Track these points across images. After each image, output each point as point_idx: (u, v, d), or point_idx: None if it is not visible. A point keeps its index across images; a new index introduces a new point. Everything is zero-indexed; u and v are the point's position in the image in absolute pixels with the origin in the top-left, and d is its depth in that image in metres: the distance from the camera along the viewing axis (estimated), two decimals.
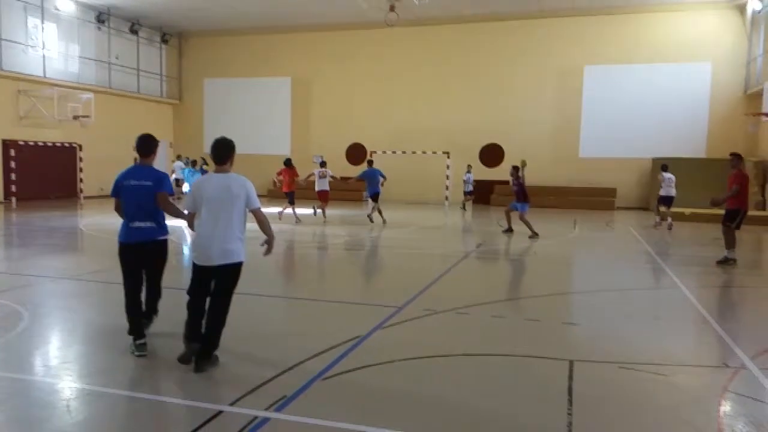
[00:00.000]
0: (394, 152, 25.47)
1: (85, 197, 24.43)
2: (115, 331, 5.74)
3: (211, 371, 4.82)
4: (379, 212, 17.35)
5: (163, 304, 5.93)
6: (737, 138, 23.28)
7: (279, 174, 17.52)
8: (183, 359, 4.90)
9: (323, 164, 18.36)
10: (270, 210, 21.04)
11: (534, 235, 14.32)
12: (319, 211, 17.96)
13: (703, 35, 23.90)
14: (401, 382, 4.73)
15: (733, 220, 10.69)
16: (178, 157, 26.29)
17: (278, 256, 11.40)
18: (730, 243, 10.69)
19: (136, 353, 5.20)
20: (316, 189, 17.69)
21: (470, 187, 23.30)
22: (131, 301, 5.38)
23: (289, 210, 17.52)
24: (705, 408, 4.35)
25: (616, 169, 24.95)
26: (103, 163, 23.40)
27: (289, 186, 17.19)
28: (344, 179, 19.44)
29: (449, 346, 5.66)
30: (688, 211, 19.24)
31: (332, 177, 18.01)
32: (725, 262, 10.61)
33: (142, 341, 5.28)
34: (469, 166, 23.20)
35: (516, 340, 6.03)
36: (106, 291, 7.84)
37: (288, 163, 17.38)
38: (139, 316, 5.41)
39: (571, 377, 4.83)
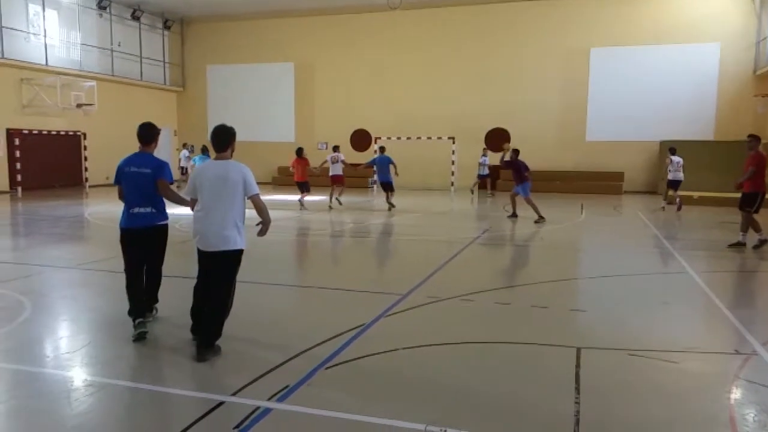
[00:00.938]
0: (399, 138, 25.31)
1: (90, 186, 24.46)
2: (118, 321, 5.71)
3: (213, 360, 4.78)
4: (387, 199, 17.33)
5: (167, 293, 5.88)
6: (746, 120, 22.96)
7: (292, 165, 17.39)
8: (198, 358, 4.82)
9: (336, 148, 18.43)
10: (273, 197, 21.02)
11: (540, 219, 14.20)
12: (335, 200, 17.87)
13: (711, 15, 23.52)
14: (405, 370, 4.66)
15: (752, 204, 10.46)
16: (184, 146, 26.24)
17: (282, 243, 11.35)
18: (756, 227, 10.50)
19: (135, 334, 5.27)
20: (330, 174, 17.82)
21: (486, 170, 23.10)
22: (131, 282, 5.51)
23: (307, 197, 17.47)
24: (716, 395, 4.27)
25: (624, 152, 24.71)
26: (108, 151, 23.28)
27: (302, 175, 17.14)
28: (353, 166, 19.37)
29: (454, 334, 5.59)
30: (696, 194, 19.06)
31: (344, 162, 18.02)
32: (760, 245, 10.48)
33: (141, 320, 5.35)
34: (485, 149, 22.83)
35: (522, 327, 5.96)
36: (110, 280, 7.80)
37: (299, 152, 17.35)
38: (140, 295, 5.51)
39: (578, 365, 4.75)
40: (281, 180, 27.80)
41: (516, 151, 14.73)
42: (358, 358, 4.83)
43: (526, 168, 14.61)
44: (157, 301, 5.90)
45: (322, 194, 18.66)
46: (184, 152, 25.48)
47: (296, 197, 17.65)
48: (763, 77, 22.07)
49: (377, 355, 4.91)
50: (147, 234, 5.50)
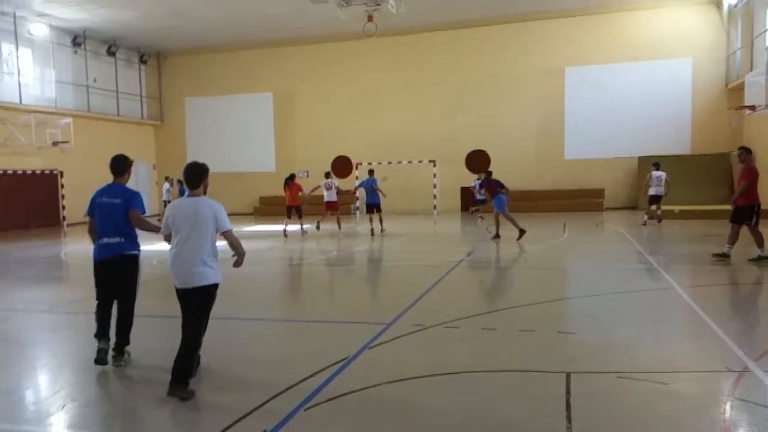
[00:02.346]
0: (380, 162, 25.23)
1: (68, 224, 24.00)
2: (89, 367, 5.45)
3: (189, 403, 4.56)
4: (370, 220, 17.56)
5: (144, 334, 5.65)
6: (721, 133, 23.31)
7: (285, 190, 17.65)
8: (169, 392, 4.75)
9: (328, 175, 18.72)
10: (255, 228, 20.79)
11: (521, 233, 14.43)
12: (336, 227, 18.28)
13: (683, 32, 23.96)
14: (388, 407, 4.47)
15: (750, 217, 10.31)
16: (166, 179, 25.96)
17: (262, 275, 11.12)
18: (760, 242, 10.31)
19: (96, 358, 5.35)
20: (325, 200, 18.04)
21: (482, 195, 22.94)
22: (99, 307, 5.62)
23: (291, 226, 17.67)
24: (711, 417, 4.14)
25: (603, 169, 24.88)
26: (86, 188, 22.71)
27: (293, 200, 17.38)
28: (347, 192, 19.76)
29: (439, 364, 5.40)
30: (677, 208, 19.16)
31: (338, 189, 18.33)
32: (758, 260, 10.25)
33: (104, 346, 5.43)
34: (480, 174, 22.46)
35: (509, 353, 5.79)
36: (81, 322, 7.51)
37: (292, 177, 17.67)
38: (106, 319, 5.59)
39: (568, 391, 4.59)
40: (263, 210, 27.59)
41: (489, 173, 15.65)
42: (340, 395, 4.62)
43: (500, 185, 15.05)
44: (128, 343, 5.65)
45: (309, 222, 18.49)
46: (166, 185, 25.20)
47: (280, 227, 17.67)
48: (735, 90, 22.42)
49: (360, 392, 4.70)
50: (115, 264, 5.53)
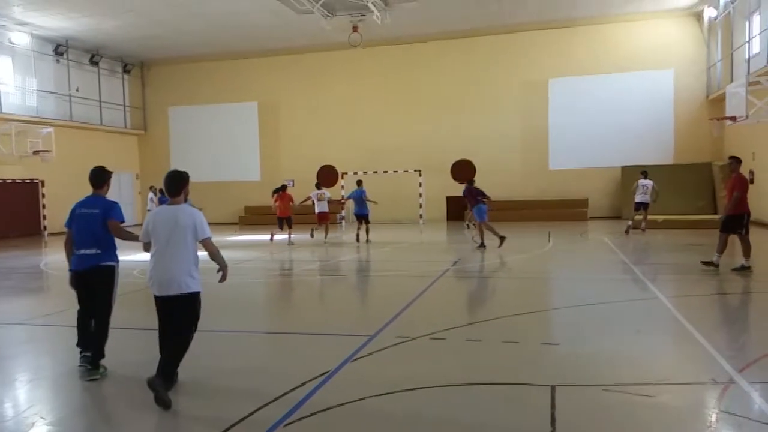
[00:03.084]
0: (365, 172, 25.19)
1: (49, 234, 23.64)
2: (65, 382, 5.31)
3: (165, 421, 4.43)
4: (358, 231, 17.68)
5: (122, 345, 5.51)
6: (703, 143, 23.57)
7: (275, 200, 17.68)
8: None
9: (318, 185, 18.86)
10: (239, 238, 20.60)
11: (501, 240, 14.67)
12: (322, 239, 18.13)
13: (664, 43, 24.24)
14: (370, 423, 4.37)
15: (740, 226, 10.32)
16: (151, 188, 25.69)
17: (244, 286, 10.97)
18: (748, 252, 10.32)
19: (80, 363, 5.43)
20: (316, 211, 18.05)
21: None
22: (79, 317, 5.70)
23: (279, 236, 17.72)
24: (695, 430, 4.09)
25: (587, 179, 25.03)
26: (68, 197, 22.46)
27: (284, 211, 17.42)
28: (338, 202, 19.82)
29: (424, 377, 5.31)
30: (660, 218, 19.29)
31: (330, 199, 18.50)
32: (741, 270, 10.26)
33: (87, 354, 5.47)
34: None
35: (494, 365, 5.72)
36: (58, 335, 7.36)
37: (283, 188, 17.76)
38: (87, 328, 5.65)
39: (553, 405, 4.52)
40: (248, 219, 27.39)
41: (470, 181, 15.85)
42: (321, 411, 4.51)
43: (481, 194, 15.24)
44: (102, 356, 5.52)
45: (298, 232, 18.39)
46: (151, 195, 24.95)
47: (278, 236, 17.76)
48: (716, 101, 22.70)
49: (341, 407, 4.59)
50: (92, 275, 5.55)
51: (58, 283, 12.03)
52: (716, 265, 10.52)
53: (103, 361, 5.54)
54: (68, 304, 5.67)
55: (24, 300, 10.73)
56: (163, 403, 4.57)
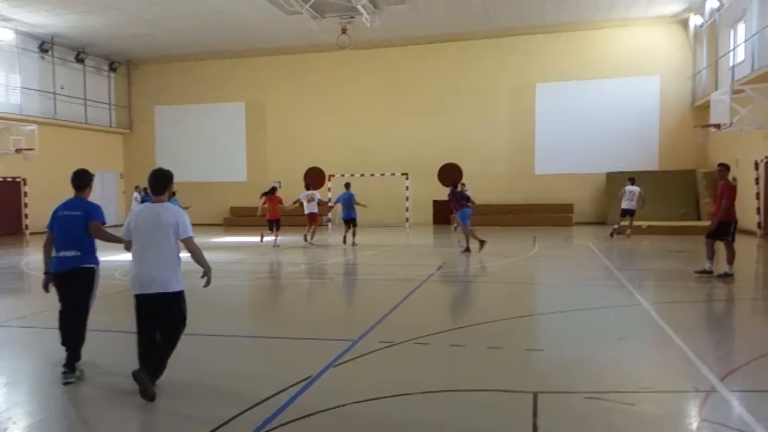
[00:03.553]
0: (352, 175, 25.10)
1: (31, 233, 23.34)
2: (38, 385, 5.20)
3: (144, 421, 4.36)
4: (345, 233, 17.77)
5: (101, 347, 5.42)
6: (688, 150, 23.78)
7: (264, 202, 17.61)
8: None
9: (308, 187, 18.83)
10: (224, 239, 20.44)
11: (481, 244, 14.66)
12: (308, 240, 18.01)
13: (651, 50, 24.44)
14: (352, 430, 4.33)
15: (727, 233, 10.37)
16: (136, 188, 25.46)
17: (227, 288, 10.88)
18: (732, 259, 10.37)
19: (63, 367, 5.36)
20: (306, 212, 18.03)
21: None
22: (61, 321, 5.61)
23: (269, 237, 17.66)
24: None
25: (572, 184, 25.14)
26: (51, 196, 22.19)
27: (273, 213, 17.37)
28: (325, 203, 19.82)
29: (406, 383, 5.27)
30: (645, 224, 19.43)
31: (320, 201, 18.46)
32: (724, 276, 10.30)
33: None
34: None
35: (478, 372, 5.69)
36: (34, 338, 7.24)
37: (272, 190, 17.67)
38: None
39: (535, 413, 4.50)
40: (233, 221, 27.23)
41: (455, 185, 16.03)
42: (302, 417, 4.46)
43: (466, 198, 15.31)
44: (78, 358, 5.44)
45: (286, 234, 18.29)
46: (136, 194, 24.72)
47: (268, 238, 17.70)
48: (701, 108, 22.91)
49: (323, 413, 4.54)
50: (71, 277, 5.52)
51: (38, 283, 11.80)
52: (710, 272, 10.53)
53: (82, 364, 5.47)
54: (47, 305, 5.57)
55: (2, 301, 10.55)
56: (148, 396, 4.67)
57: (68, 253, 5.49)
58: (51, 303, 5.68)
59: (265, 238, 18.03)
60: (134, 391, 4.90)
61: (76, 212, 5.56)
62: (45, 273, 5.66)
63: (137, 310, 5.08)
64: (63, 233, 5.54)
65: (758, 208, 18.26)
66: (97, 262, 5.69)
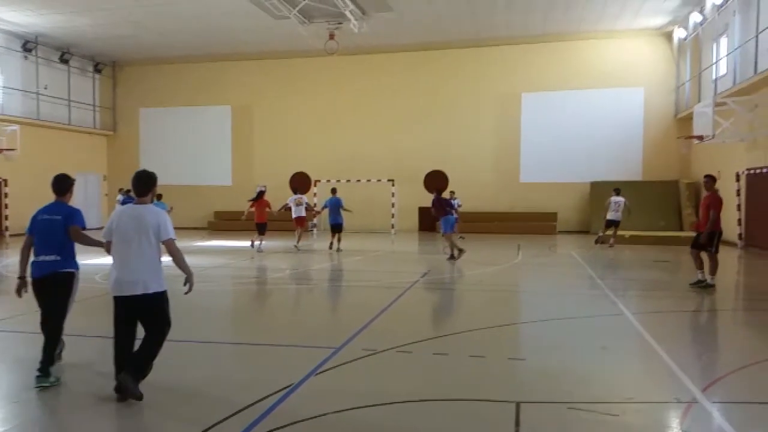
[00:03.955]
0: (338, 180, 25.10)
1: (11, 235, 22.98)
2: (9, 392, 5.09)
3: (120, 428, 4.29)
4: (332, 239, 17.67)
5: (80, 351, 5.32)
6: (671, 160, 24.04)
7: (251, 206, 17.61)
8: (117, 389, 4.83)
9: (296, 191, 18.93)
10: (208, 243, 20.27)
11: (459, 252, 14.68)
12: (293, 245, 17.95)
13: (635, 62, 24.70)
14: None
15: (711, 244, 10.38)
16: (120, 191, 25.19)
17: (208, 294, 10.77)
18: (715, 270, 10.40)
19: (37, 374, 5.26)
20: (293, 216, 18.10)
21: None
22: (41, 322, 5.58)
23: (257, 241, 17.57)
24: None
25: (556, 193, 25.28)
26: (32, 197, 21.94)
27: (260, 217, 17.37)
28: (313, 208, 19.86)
29: (389, 392, 5.23)
30: (628, 233, 19.58)
31: (307, 206, 18.50)
32: (705, 286, 10.35)
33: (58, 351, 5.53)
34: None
35: (460, 380, 5.67)
36: (9, 343, 7.09)
37: (261, 194, 17.63)
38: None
39: (518, 423, 4.48)
40: (218, 225, 27.04)
41: (439, 191, 15.98)
42: (282, 427, 4.39)
43: (449, 204, 15.47)
44: (52, 363, 5.34)
45: (272, 239, 18.20)
46: (120, 197, 24.46)
47: (234, 243, 17.48)
48: (684, 120, 23.16)
49: (304, 422, 4.48)
50: (49, 282, 5.45)
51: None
52: (703, 281, 10.54)
53: (58, 369, 5.39)
54: (24, 308, 5.46)
55: None
56: (135, 396, 4.70)
57: (48, 258, 5.44)
58: (29, 306, 5.59)
59: (255, 243, 17.83)
60: (111, 396, 4.83)
61: (57, 216, 5.52)
62: (19, 277, 5.58)
63: (116, 312, 5.04)
64: (43, 238, 5.49)
65: (739, 220, 18.47)
66: (76, 267, 5.66)
